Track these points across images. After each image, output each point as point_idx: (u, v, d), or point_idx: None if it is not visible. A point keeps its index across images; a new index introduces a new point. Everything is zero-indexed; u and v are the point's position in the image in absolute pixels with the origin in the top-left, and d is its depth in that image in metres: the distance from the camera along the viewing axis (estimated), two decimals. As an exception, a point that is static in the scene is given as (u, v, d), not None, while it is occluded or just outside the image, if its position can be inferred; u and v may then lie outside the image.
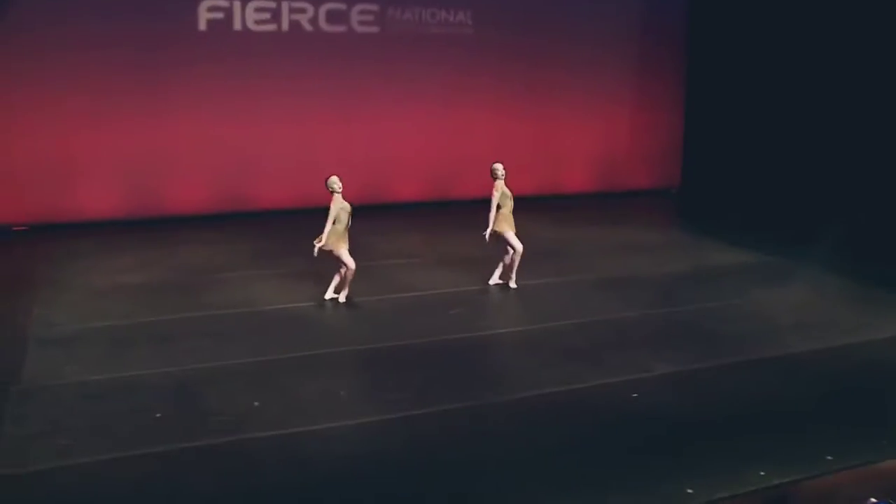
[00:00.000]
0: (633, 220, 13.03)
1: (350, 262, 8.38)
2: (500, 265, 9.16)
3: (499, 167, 8.77)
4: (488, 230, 8.70)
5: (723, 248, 11.04)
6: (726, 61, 14.29)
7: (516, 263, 9.02)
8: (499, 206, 8.78)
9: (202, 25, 12.38)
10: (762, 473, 5.21)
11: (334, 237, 8.26)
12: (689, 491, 5.00)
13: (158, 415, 5.92)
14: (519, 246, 8.90)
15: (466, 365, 6.96)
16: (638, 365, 6.93)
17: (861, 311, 8.49)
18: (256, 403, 6.12)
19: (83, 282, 9.20)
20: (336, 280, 8.56)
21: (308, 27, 12.94)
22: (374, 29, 13.30)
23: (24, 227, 11.74)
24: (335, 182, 8.32)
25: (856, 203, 12.49)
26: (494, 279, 9.14)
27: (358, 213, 12.85)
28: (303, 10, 12.86)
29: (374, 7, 13.19)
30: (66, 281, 9.24)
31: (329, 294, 8.56)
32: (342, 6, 13.02)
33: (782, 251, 10.76)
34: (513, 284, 9.05)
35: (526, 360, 7.10)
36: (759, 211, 13.23)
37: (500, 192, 8.71)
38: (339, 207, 8.30)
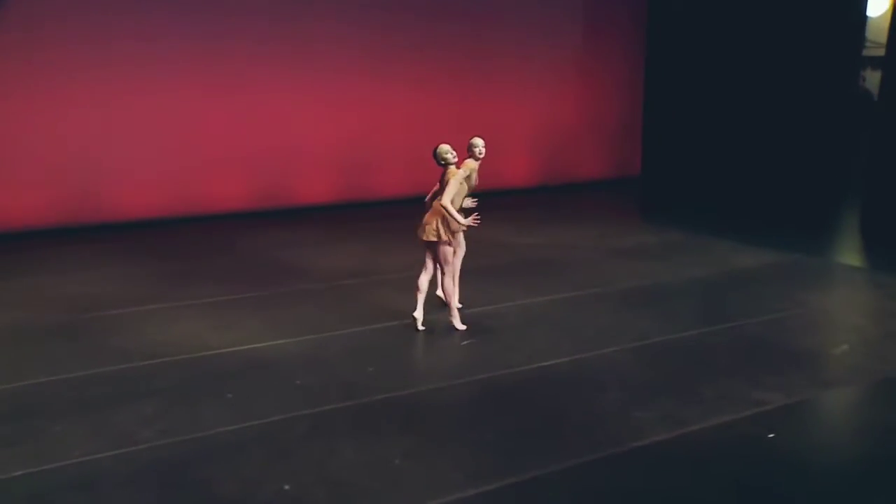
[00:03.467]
0: (608, 218, 13.30)
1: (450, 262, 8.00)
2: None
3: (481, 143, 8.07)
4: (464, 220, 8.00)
5: (736, 248, 11.36)
6: (692, 27, 14.52)
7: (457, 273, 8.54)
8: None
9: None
10: None
11: (447, 225, 7.88)
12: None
13: (153, 518, 5.03)
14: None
15: (537, 409, 6.57)
16: (742, 397, 6.81)
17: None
18: (287, 487, 5.37)
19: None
20: (423, 298, 8.13)
21: (175, -27, 12.03)
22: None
23: None
24: (449, 151, 7.92)
25: (847, 187, 13.20)
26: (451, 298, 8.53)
27: (255, 219, 12.87)
28: (170, -49, 11.94)
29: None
30: None
31: (421, 315, 8.10)
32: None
33: (802, 248, 11.28)
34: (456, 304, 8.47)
35: (602, 398, 6.77)
36: (745, 201, 13.68)
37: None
38: (468, 174, 7.85)
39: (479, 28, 14.27)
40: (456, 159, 7.91)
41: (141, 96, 11.93)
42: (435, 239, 7.88)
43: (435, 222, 7.88)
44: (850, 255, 11.71)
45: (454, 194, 7.77)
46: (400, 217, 12.20)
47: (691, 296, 9.39)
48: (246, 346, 7.73)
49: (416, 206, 8.60)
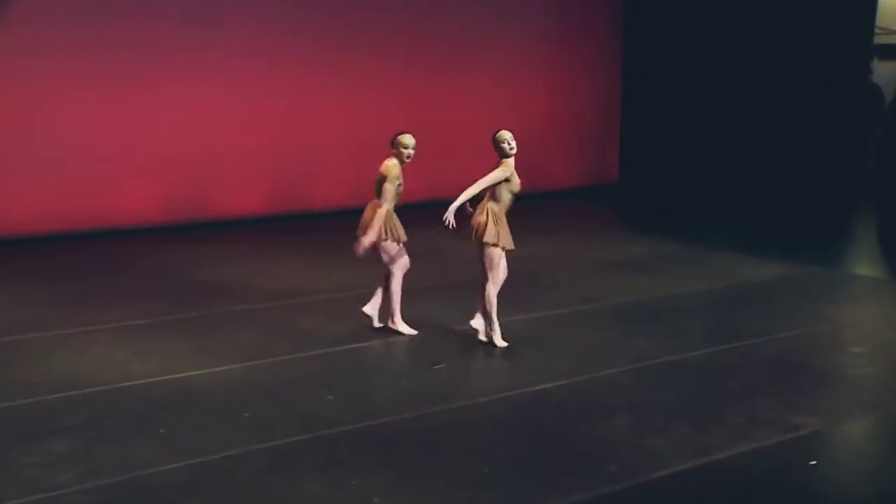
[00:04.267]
0: (589, 229, 13.63)
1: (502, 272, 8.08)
2: (379, 293, 8.62)
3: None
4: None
5: (740, 259, 11.58)
6: (679, 13, 14.62)
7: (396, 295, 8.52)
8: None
9: None
10: None
11: (504, 228, 7.97)
12: None
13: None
14: None
15: (536, 438, 6.53)
16: (770, 421, 6.83)
17: None
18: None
19: None
20: (481, 315, 8.24)
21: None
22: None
23: None
24: (507, 140, 7.88)
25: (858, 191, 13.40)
26: (399, 325, 8.57)
27: (170, 233, 12.72)
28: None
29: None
30: None
31: (477, 324, 8.28)
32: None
33: (815, 259, 11.56)
34: (406, 330, 8.55)
35: (610, 424, 6.73)
36: (743, 208, 13.97)
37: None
38: (507, 176, 7.89)
39: (430, 12, 14.26)
40: (514, 151, 7.92)
41: (31, 92, 11.68)
42: (491, 242, 7.93)
43: (487, 221, 7.90)
44: (868, 266, 11.92)
45: (490, 184, 7.88)
46: (340, 230, 12.19)
47: (695, 312, 9.46)
48: (175, 375, 7.54)
49: (359, 216, 8.46)
